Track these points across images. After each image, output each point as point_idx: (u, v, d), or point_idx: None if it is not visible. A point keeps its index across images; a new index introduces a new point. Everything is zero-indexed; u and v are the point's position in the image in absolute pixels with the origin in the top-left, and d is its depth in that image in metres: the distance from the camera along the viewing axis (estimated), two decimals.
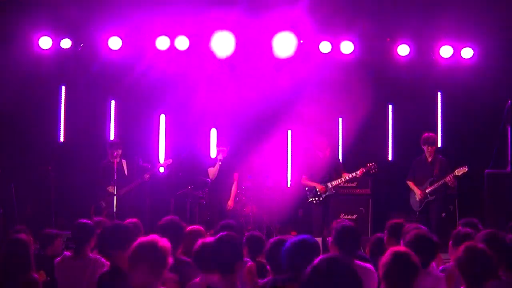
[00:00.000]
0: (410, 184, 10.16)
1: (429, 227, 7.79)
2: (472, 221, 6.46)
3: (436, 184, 9.88)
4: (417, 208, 10.03)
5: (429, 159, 10.03)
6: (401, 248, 4.32)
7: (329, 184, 10.10)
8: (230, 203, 10.77)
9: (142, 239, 3.95)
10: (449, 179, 9.74)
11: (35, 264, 4.93)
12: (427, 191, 9.92)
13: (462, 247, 4.34)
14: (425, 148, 10.05)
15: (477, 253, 4.26)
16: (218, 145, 11.16)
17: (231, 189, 10.83)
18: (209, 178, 10.93)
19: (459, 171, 9.66)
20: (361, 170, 10.01)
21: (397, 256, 3.96)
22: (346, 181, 10.30)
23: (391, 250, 4.05)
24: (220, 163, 10.82)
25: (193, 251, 4.69)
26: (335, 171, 10.26)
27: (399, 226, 5.86)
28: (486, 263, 4.24)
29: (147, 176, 10.72)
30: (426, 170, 10.03)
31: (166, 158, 11.89)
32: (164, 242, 3.90)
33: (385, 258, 3.97)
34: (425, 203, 9.95)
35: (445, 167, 9.93)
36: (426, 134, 10.15)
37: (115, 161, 10.42)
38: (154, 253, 3.84)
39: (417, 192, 9.98)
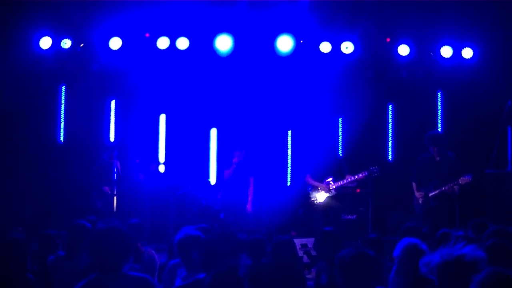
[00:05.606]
0: (413, 185, 9.50)
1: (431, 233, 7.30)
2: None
3: (439, 189, 9.15)
4: (418, 211, 9.35)
5: (437, 158, 9.37)
6: None
7: (330, 185, 10.07)
8: (248, 206, 10.70)
9: None
10: (448, 188, 9.02)
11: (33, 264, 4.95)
12: (430, 195, 9.18)
13: None
14: (431, 148, 9.47)
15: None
16: (235, 149, 10.89)
17: (246, 193, 10.76)
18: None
19: (462, 180, 8.98)
20: (363, 173, 9.95)
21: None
22: (348, 182, 10.25)
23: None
24: (234, 166, 10.68)
25: None
26: (338, 172, 10.23)
27: None
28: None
29: (141, 175, 10.74)
30: (432, 170, 9.34)
31: (165, 158, 11.89)
32: None
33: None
34: (428, 209, 9.22)
35: (454, 168, 9.22)
36: (430, 133, 9.72)
37: (112, 161, 10.43)
38: None
39: (417, 195, 9.30)
